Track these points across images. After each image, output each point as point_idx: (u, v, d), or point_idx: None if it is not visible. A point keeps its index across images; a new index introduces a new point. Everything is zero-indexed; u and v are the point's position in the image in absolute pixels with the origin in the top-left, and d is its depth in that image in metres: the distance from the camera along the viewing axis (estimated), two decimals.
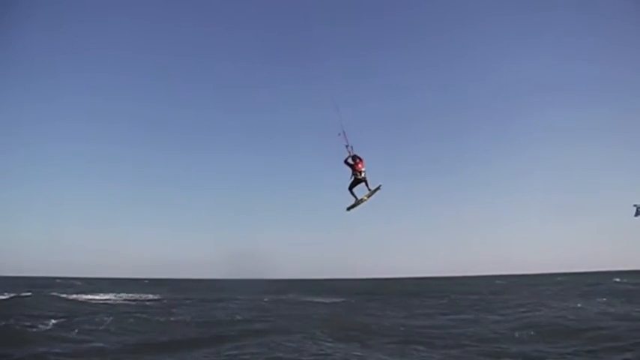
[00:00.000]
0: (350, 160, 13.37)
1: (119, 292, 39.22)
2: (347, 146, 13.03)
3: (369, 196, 13.41)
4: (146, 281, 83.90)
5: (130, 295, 36.37)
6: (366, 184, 13.55)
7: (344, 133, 12.81)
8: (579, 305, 20.94)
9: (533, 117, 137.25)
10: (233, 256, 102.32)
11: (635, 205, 17.15)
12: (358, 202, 13.53)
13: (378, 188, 13.36)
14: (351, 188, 13.66)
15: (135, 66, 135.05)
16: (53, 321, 16.42)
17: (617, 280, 47.48)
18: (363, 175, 13.49)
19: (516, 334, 13.79)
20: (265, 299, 31.41)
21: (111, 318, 16.89)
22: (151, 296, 34.58)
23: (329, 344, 12.72)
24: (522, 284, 50.13)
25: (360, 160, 13.44)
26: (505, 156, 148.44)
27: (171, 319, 18.50)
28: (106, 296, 32.68)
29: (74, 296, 30.66)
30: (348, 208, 13.77)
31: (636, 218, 17.19)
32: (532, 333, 13.87)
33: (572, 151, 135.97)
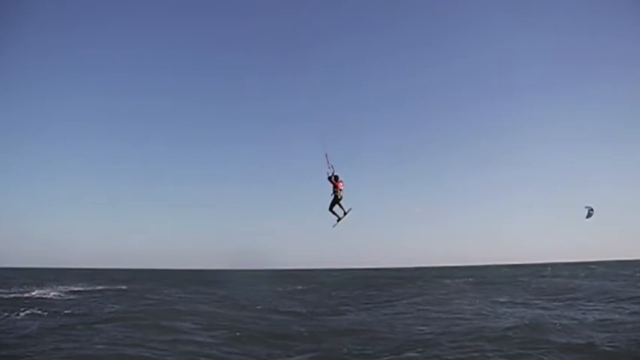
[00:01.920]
0: (333, 179, 15.97)
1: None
2: (329, 167, 15.76)
3: (344, 216, 16.32)
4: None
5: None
6: (340, 206, 16.32)
7: (326, 156, 15.51)
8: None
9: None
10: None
11: (586, 207, 18.72)
12: (339, 219, 16.34)
13: (349, 210, 16.36)
14: (330, 209, 16.40)
15: (125, 60, 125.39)
16: None
17: (547, 273, 50.12)
18: (341, 194, 16.21)
19: None
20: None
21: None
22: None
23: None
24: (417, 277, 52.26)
25: (340, 180, 16.14)
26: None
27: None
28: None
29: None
30: (334, 226, 16.58)
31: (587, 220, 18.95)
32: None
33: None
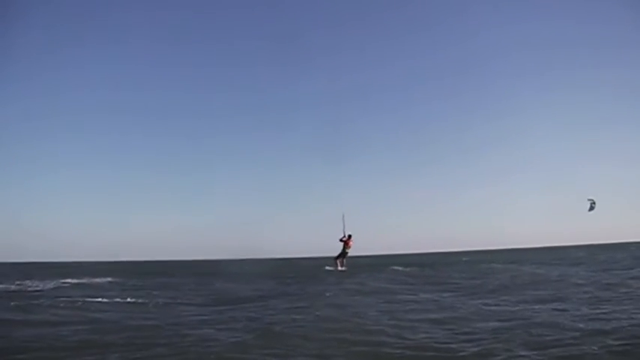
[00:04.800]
0: (345, 239, 20.03)
1: None
2: (344, 233, 19.99)
3: (338, 269, 20.06)
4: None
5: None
6: (343, 262, 20.30)
7: (343, 220, 20.19)
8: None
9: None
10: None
11: (589, 200, 17.58)
12: (334, 269, 20.16)
13: (344, 270, 19.81)
14: (336, 259, 20.28)
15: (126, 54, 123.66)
16: None
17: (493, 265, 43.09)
18: (348, 251, 20.19)
19: None
20: None
21: None
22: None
23: None
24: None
25: (351, 239, 20.09)
26: None
27: None
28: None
29: None
30: (327, 269, 20.97)
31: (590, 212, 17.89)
32: None
33: None
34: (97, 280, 18.52)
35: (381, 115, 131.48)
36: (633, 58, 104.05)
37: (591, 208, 18.25)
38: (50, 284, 15.42)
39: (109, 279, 18.60)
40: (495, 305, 7.97)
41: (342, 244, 20.07)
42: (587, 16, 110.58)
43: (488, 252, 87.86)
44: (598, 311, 6.85)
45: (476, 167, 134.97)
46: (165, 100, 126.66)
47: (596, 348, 4.57)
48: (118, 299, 9.97)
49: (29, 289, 13.75)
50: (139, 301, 9.68)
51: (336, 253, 20.64)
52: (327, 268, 21.62)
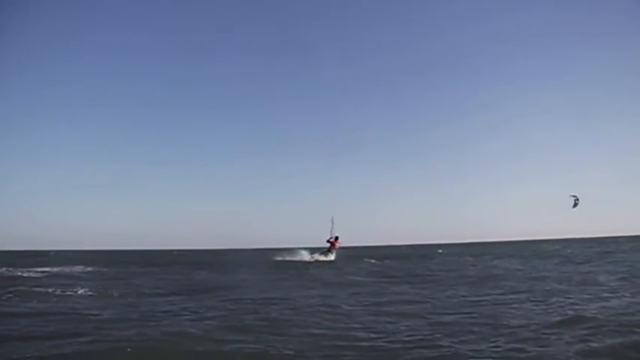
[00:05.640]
0: (332, 240, 21.76)
1: None
2: (332, 234, 22.08)
3: (322, 258, 21.84)
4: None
5: None
6: (328, 254, 22.16)
7: (332, 225, 22.38)
8: None
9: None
10: None
11: (572, 196, 17.08)
12: (320, 258, 21.83)
13: (330, 261, 20.93)
14: (320, 254, 22.21)
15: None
16: None
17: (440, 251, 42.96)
18: (334, 251, 21.87)
19: None
20: None
21: None
22: None
23: None
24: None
25: (337, 241, 21.98)
26: None
27: None
28: None
29: None
30: (311, 260, 22.01)
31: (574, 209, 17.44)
32: None
33: None
34: (77, 268, 17.76)
35: (365, 107, 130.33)
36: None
37: (575, 205, 17.67)
38: (27, 274, 14.67)
39: (90, 268, 17.80)
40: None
41: (328, 244, 21.99)
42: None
43: (465, 245, 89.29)
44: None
45: (454, 162, 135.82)
46: (152, 92, 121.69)
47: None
48: (86, 290, 9.51)
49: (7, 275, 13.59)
50: (109, 292, 9.35)
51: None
52: (312, 258, 22.50)
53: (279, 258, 21.51)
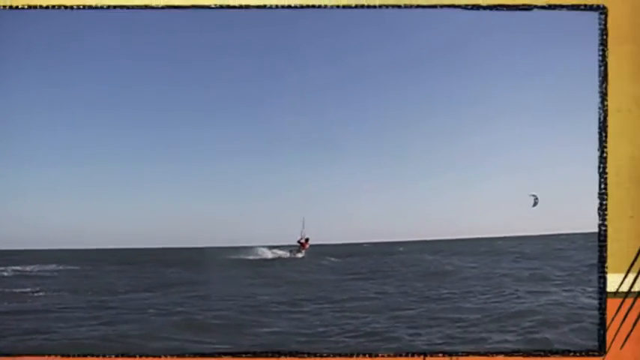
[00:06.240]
0: (302, 241, 19.52)
1: None
2: (302, 236, 19.89)
3: (291, 255, 20.67)
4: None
5: None
6: (296, 252, 19.96)
7: (303, 226, 20.26)
8: None
9: None
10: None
11: (532, 195, 17.97)
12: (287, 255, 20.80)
13: (300, 257, 20.76)
14: (290, 251, 20.33)
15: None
16: None
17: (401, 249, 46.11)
18: (302, 251, 20.11)
19: None
20: None
21: None
22: None
23: None
24: None
25: (308, 242, 20.49)
26: None
27: None
28: None
29: None
30: (284, 256, 22.37)
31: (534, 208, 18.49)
32: None
33: None
34: (49, 267, 17.11)
35: (346, 106, 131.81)
36: None
37: (535, 204, 18.52)
38: None
39: (62, 267, 17.00)
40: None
41: (298, 245, 21.18)
42: None
43: (425, 242, 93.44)
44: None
45: (425, 158, 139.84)
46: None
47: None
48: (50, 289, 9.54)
49: None
50: (76, 289, 8.97)
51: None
52: (274, 255, 22.65)
53: (234, 256, 21.36)
